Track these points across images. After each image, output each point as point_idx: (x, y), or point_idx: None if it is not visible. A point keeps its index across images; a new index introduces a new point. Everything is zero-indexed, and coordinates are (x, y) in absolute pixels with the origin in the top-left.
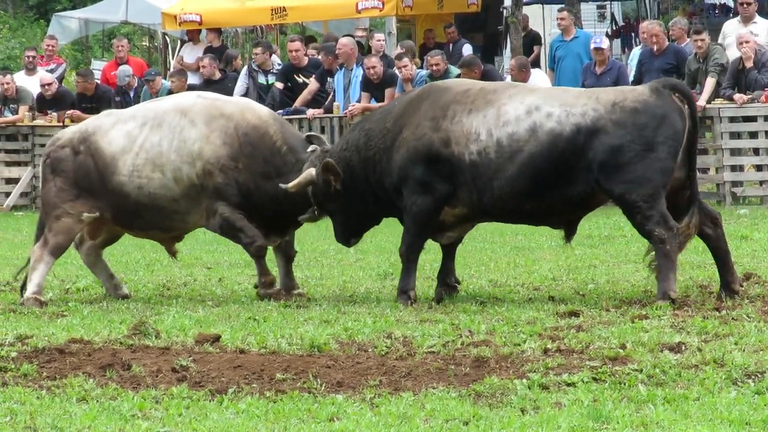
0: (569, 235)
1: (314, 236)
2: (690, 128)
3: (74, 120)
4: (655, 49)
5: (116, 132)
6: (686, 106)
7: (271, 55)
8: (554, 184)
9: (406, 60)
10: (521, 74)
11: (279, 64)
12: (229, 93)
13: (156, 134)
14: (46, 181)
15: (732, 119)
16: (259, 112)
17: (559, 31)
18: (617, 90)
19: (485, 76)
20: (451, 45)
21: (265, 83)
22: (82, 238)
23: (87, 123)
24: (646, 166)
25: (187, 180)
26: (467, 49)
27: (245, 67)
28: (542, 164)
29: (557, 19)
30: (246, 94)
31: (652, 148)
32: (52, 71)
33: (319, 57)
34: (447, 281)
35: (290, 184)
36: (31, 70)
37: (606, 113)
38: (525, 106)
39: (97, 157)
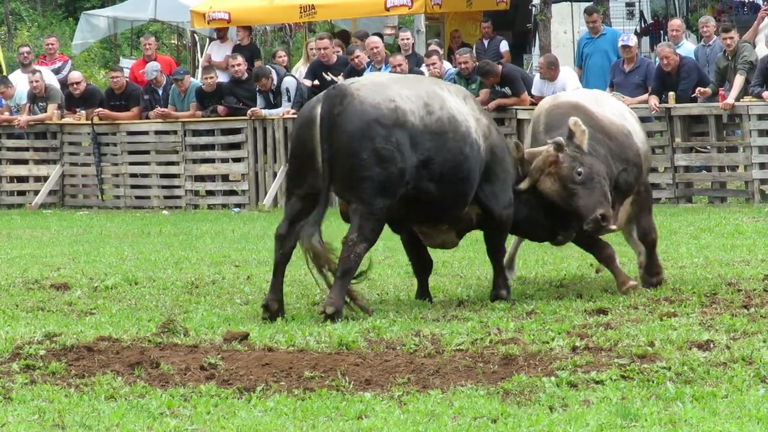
0: None
1: (344, 233)
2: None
3: (102, 118)
4: (668, 70)
5: None
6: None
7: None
8: None
9: (435, 58)
10: (550, 72)
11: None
12: (254, 92)
13: None
14: None
15: (761, 117)
16: None
17: (587, 28)
18: None
19: (506, 78)
20: (486, 41)
21: None
22: None
23: None
24: None
25: None
26: (504, 46)
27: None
28: None
29: (588, 21)
30: None
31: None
32: (58, 70)
33: (355, 54)
34: None
35: None
36: (26, 66)
37: None
38: None
39: None
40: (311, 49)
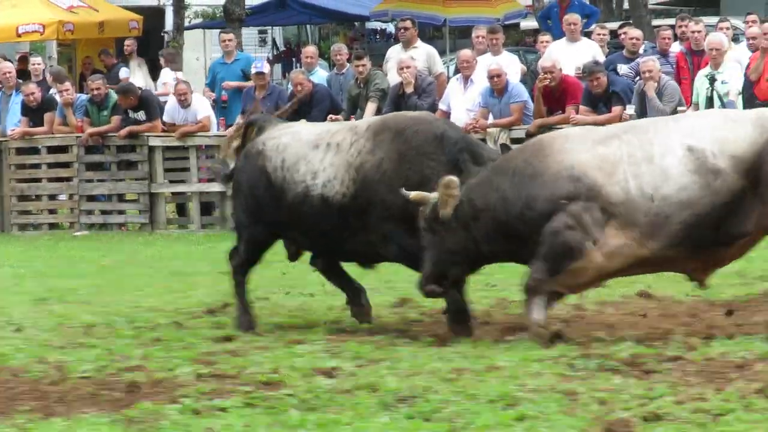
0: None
1: None
2: None
3: None
4: (301, 96)
5: None
6: None
7: None
8: None
9: (67, 84)
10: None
11: None
12: None
13: None
14: None
15: None
16: None
17: (220, 54)
18: None
19: (143, 101)
20: (109, 69)
21: None
22: None
23: None
24: None
25: None
26: (124, 72)
27: None
28: None
29: (223, 41)
30: None
31: None
32: None
33: None
34: None
35: None
36: None
37: None
38: None
39: None
40: None
